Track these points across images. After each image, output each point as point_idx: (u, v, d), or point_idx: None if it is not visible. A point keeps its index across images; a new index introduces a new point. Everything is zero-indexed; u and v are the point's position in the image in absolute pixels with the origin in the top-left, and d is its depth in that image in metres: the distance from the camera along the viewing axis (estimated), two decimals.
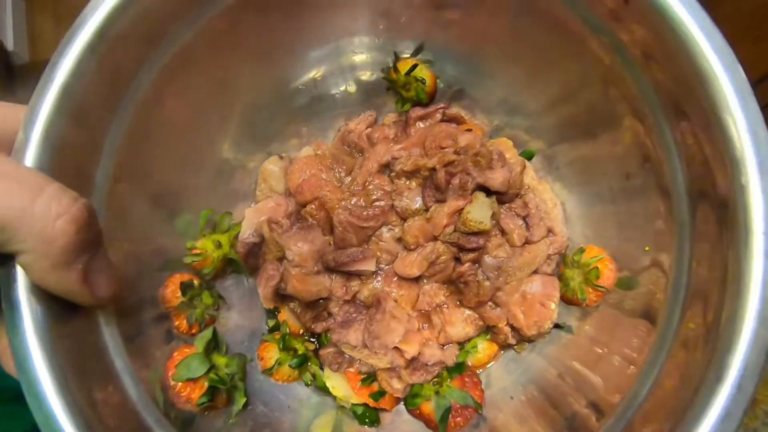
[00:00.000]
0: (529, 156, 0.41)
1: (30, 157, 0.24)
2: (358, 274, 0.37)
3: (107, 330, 0.27)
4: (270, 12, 0.34)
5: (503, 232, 0.37)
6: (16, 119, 0.24)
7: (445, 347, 0.37)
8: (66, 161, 0.26)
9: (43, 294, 0.23)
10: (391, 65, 0.41)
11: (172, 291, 0.34)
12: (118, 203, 0.30)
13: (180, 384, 0.31)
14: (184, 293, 0.34)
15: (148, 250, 0.33)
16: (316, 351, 0.39)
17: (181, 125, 0.34)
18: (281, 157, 0.41)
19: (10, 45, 1.51)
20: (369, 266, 0.36)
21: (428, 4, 0.36)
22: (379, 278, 0.37)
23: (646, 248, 0.33)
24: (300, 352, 0.37)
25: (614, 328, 0.34)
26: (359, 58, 0.41)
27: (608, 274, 0.35)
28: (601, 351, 0.34)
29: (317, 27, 0.37)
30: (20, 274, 0.22)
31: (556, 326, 0.37)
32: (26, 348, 0.22)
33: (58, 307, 0.23)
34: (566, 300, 0.37)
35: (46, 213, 0.20)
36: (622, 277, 0.35)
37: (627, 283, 0.34)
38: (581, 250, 0.37)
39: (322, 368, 0.38)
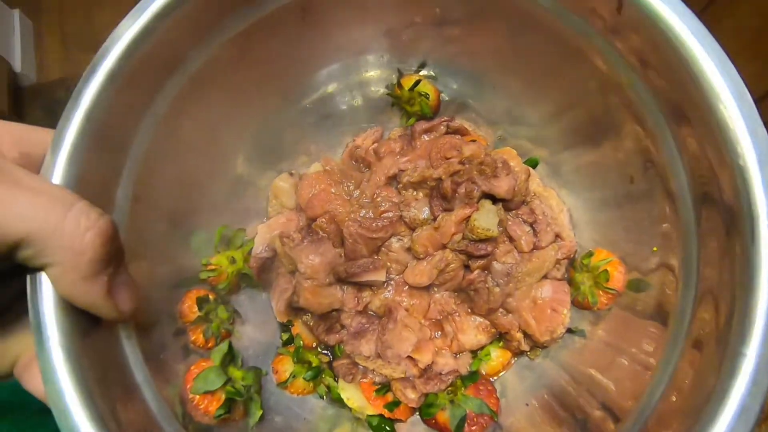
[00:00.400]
0: (533, 164, 0.42)
1: (57, 177, 0.25)
2: (369, 285, 0.37)
3: (128, 344, 0.28)
4: (279, 35, 0.35)
5: (511, 239, 0.38)
6: (44, 142, 0.26)
7: (458, 356, 0.38)
8: (89, 181, 0.27)
9: (68, 309, 0.23)
10: (395, 82, 0.43)
11: (189, 306, 0.34)
12: (137, 222, 0.31)
13: (198, 397, 0.31)
14: (200, 308, 0.34)
15: (165, 266, 0.34)
16: (330, 363, 0.39)
17: (197, 146, 0.36)
18: (291, 174, 0.43)
19: (17, 67, 1.56)
20: (379, 276, 0.36)
21: (429, 22, 0.38)
22: (390, 288, 0.38)
23: (654, 249, 0.33)
24: (314, 365, 0.38)
25: (626, 330, 0.34)
26: (364, 76, 0.43)
27: (618, 277, 0.35)
28: (614, 354, 0.34)
29: (324, 48, 0.39)
30: (46, 289, 0.23)
31: (569, 331, 0.37)
32: (52, 362, 0.23)
33: (82, 322, 0.24)
34: (577, 304, 0.37)
35: (76, 227, 0.21)
36: (632, 280, 0.35)
37: (637, 285, 0.34)
38: (590, 254, 0.37)
39: (336, 380, 0.38)
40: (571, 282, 0.38)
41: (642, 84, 0.31)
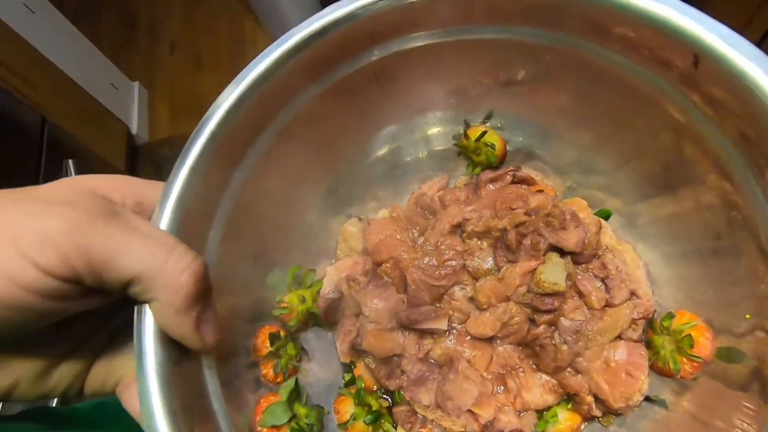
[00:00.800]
0: (605, 215, 0.41)
1: (164, 224, 0.29)
2: (431, 332, 0.37)
3: (209, 374, 0.31)
4: (354, 96, 0.39)
5: (581, 294, 0.36)
6: (156, 193, 0.30)
7: (521, 414, 0.36)
8: (189, 226, 0.31)
9: (164, 338, 0.27)
10: (461, 132, 0.44)
11: (262, 341, 0.37)
12: (224, 262, 0.34)
13: (265, 430, 0.33)
14: (272, 343, 0.37)
15: (244, 302, 0.38)
16: (390, 408, 0.39)
17: (279, 193, 0.40)
18: (360, 219, 0.45)
19: (134, 129, 1.85)
20: (441, 324, 0.36)
21: (496, 82, 0.39)
22: (452, 337, 0.38)
23: (747, 316, 0.30)
24: (374, 408, 0.38)
25: (718, 403, 0.31)
26: (431, 129, 0.45)
27: (704, 343, 0.32)
28: (703, 430, 0.30)
29: (394, 106, 0.42)
30: (149, 320, 0.27)
31: (648, 399, 0.34)
32: (148, 385, 0.26)
33: (174, 351, 0.27)
34: (657, 370, 0.34)
35: (176, 268, 0.24)
36: (722, 348, 0.32)
37: (728, 354, 0.31)
38: (671, 316, 0.34)
39: (395, 427, 0.38)
40: (649, 345, 0.35)
41: (724, 134, 0.30)
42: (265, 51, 0.33)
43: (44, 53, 1.50)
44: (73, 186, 0.25)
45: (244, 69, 0.34)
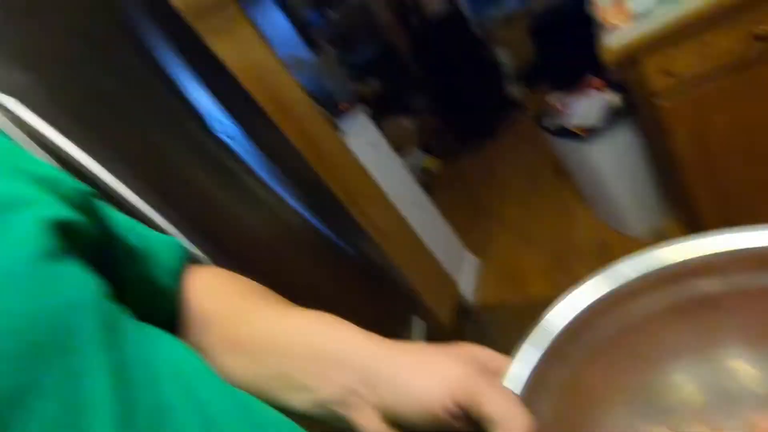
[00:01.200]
0: None
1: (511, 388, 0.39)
2: None
3: None
4: (684, 320, 0.43)
5: None
6: (505, 364, 0.39)
7: None
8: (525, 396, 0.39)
9: None
10: None
11: None
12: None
13: None
14: None
15: None
16: None
17: (597, 399, 0.45)
18: None
19: (464, 292, 2.20)
20: None
21: None
22: None
23: None
24: None
25: None
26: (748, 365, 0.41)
27: None
28: None
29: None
30: None
31: None
32: None
33: None
34: None
35: (520, 424, 0.33)
36: None
37: None
38: None
39: None
40: None
41: None
42: (596, 279, 0.43)
43: (413, 227, 2.13)
44: (466, 350, 0.41)
45: (578, 288, 0.44)
